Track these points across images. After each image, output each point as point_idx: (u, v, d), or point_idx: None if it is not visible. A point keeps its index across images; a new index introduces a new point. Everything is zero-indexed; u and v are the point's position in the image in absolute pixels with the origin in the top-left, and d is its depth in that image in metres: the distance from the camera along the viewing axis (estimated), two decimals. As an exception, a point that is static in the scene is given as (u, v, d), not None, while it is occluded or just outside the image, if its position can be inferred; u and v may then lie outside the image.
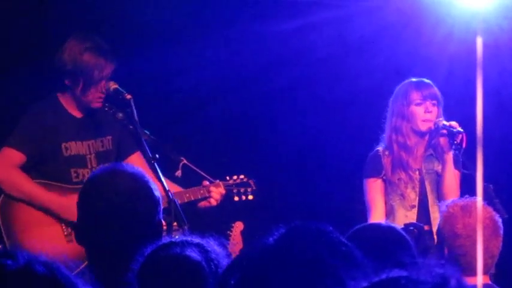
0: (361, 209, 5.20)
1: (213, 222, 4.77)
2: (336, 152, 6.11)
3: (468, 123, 4.93)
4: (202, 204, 4.90)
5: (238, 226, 5.01)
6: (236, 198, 5.07)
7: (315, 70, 6.10)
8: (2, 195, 4.72)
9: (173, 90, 5.83)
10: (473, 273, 3.59)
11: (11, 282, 1.43)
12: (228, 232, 4.98)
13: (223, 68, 5.96)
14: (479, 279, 3.69)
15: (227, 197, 5.00)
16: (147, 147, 4.29)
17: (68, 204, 4.60)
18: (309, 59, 6.08)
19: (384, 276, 1.41)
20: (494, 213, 3.88)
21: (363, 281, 1.43)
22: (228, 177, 5.07)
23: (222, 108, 6.08)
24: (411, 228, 4.41)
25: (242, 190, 5.10)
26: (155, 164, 4.18)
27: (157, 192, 2.71)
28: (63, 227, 4.74)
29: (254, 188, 5.12)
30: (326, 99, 6.11)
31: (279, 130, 6.19)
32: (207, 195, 4.89)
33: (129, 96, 4.50)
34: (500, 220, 3.85)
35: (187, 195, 4.85)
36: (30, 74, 5.17)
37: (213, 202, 4.90)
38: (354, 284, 1.41)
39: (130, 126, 4.43)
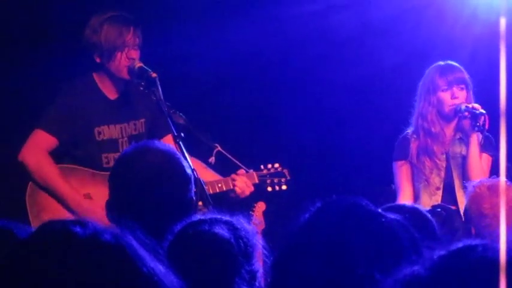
0: (384, 190, 5.21)
1: (236, 201, 4.77)
2: (356, 135, 6.09)
3: (492, 105, 4.90)
4: (233, 195, 4.78)
5: (261, 206, 4.97)
6: (269, 189, 4.96)
7: (337, 52, 6.07)
8: (31, 182, 4.68)
9: (194, 73, 5.82)
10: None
11: (79, 248, 1.45)
12: (250, 212, 4.95)
13: (243, 50, 5.94)
14: (503, 258, 3.68)
15: (260, 187, 4.89)
16: (172, 126, 4.25)
17: (87, 207, 4.58)
18: (331, 41, 6.05)
19: (460, 244, 1.44)
20: None
21: (439, 249, 1.44)
22: (262, 167, 4.96)
23: (240, 91, 6.07)
24: (438, 210, 4.40)
25: (276, 180, 4.99)
26: (180, 142, 4.13)
27: (189, 170, 2.71)
28: None
29: (288, 177, 5.01)
30: (347, 81, 6.09)
31: (299, 112, 6.17)
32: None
33: (154, 75, 4.43)
34: None
35: (220, 185, 4.74)
36: (66, 53, 5.13)
37: (240, 193, 4.77)
38: (430, 253, 1.43)
39: (165, 108, 4.33)
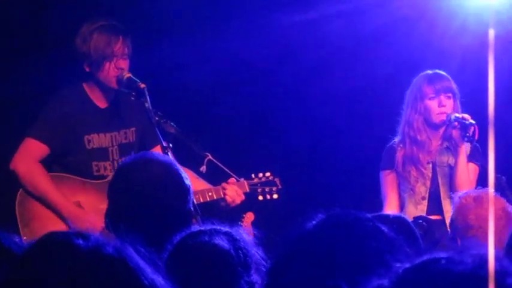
0: (375, 200, 5.23)
1: (225, 211, 4.77)
2: (348, 144, 6.12)
3: (481, 115, 4.94)
4: (223, 204, 4.76)
5: (249, 217, 4.96)
6: (260, 198, 4.94)
7: (329, 62, 6.10)
8: (21, 189, 4.68)
9: (186, 82, 5.82)
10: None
11: (81, 261, 1.46)
12: (239, 223, 4.95)
13: (233, 59, 5.95)
14: (491, 268, 3.71)
15: (251, 196, 4.88)
16: (160, 136, 4.26)
17: (79, 215, 4.58)
18: (323, 52, 6.07)
19: (425, 257, 1.45)
20: (507, 204, 3.90)
21: (406, 262, 1.46)
22: (253, 175, 4.95)
23: (232, 101, 6.08)
24: (420, 221, 4.44)
25: (267, 189, 4.97)
26: (168, 153, 4.15)
27: (188, 181, 2.72)
28: None
29: (279, 186, 4.99)
30: (339, 91, 6.11)
31: (290, 121, 6.19)
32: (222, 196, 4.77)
33: (143, 86, 4.45)
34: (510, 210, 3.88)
35: (210, 194, 4.73)
36: (55, 62, 5.14)
37: (230, 202, 4.75)
38: (398, 266, 1.45)
39: (154, 118, 4.35)
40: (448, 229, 4.30)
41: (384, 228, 1.79)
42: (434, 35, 5.79)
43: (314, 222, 1.82)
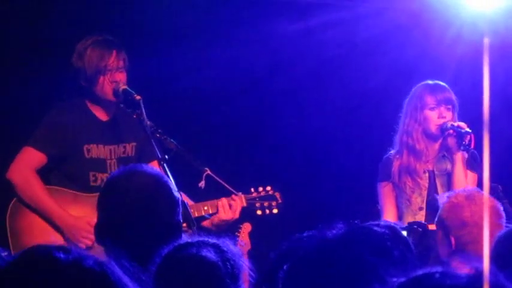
0: (372, 211, 5.23)
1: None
2: (344, 154, 6.12)
3: (476, 123, 4.95)
4: (216, 218, 4.72)
5: (246, 227, 4.95)
6: (259, 213, 4.89)
7: (323, 71, 6.12)
8: (14, 200, 4.69)
9: (182, 92, 5.83)
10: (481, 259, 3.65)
11: (62, 274, 1.47)
12: (236, 233, 4.93)
13: (229, 69, 5.97)
14: (486, 263, 3.76)
15: (249, 211, 4.83)
16: (156, 148, 4.29)
17: (74, 225, 4.59)
18: (317, 60, 6.09)
19: (420, 272, 1.47)
20: (496, 201, 3.95)
21: (402, 277, 1.48)
22: (252, 189, 4.91)
23: (227, 110, 6.08)
24: (415, 226, 4.44)
25: (266, 204, 4.91)
26: (164, 164, 4.17)
27: (177, 193, 2.74)
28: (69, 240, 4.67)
29: (280, 201, 4.93)
30: (334, 100, 6.13)
31: (286, 132, 6.19)
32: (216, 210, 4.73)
33: (138, 97, 4.49)
34: (502, 208, 3.91)
35: (206, 208, 4.71)
36: (54, 72, 5.14)
37: (224, 217, 4.71)
38: (393, 280, 1.46)
39: (149, 130, 4.35)
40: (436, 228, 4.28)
41: (388, 243, 1.82)
42: (429, 44, 5.80)
43: (329, 231, 1.84)
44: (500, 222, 3.83)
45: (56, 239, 4.60)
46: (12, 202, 4.70)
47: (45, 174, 4.73)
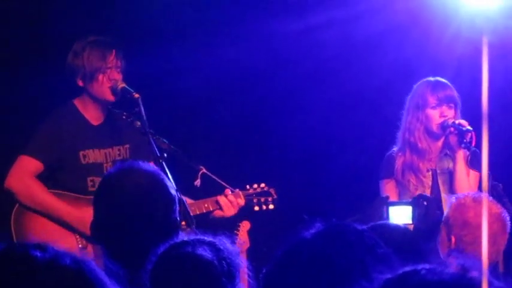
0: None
1: (220, 221, 4.78)
2: (342, 152, 6.12)
3: (476, 122, 4.95)
4: (217, 213, 4.77)
5: (245, 225, 4.97)
6: (256, 208, 4.95)
7: (322, 70, 6.12)
8: (17, 205, 4.67)
9: (179, 91, 5.84)
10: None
11: (39, 272, 1.47)
12: (235, 231, 4.95)
13: (229, 68, 5.96)
14: (485, 266, 3.77)
15: (247, 207, 4.89)
16: (155, 147, 4.28)
17: (83, 217, 4.54)
18: (317, 60, 6.09)
19: (407, 268, 1.48)
20: (502, 209, 3.94)
21: (389, 273, 1.49)
22: (248, 186, 4.96)
23: (227, 109, 6.09)
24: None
25: (262, 200, 4.97)
26: (163, 163, 4.15)
27: (174, 190, 2.73)
28: (78, 238, 4.68)
29: (275, 196, 5.00)
30: (332, 99, 6.12)
31: (285, 130, 6.19)
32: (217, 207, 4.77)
33: (137, 95, 4.48)
34: (508, 217, 3.90)
35: (206, 205, 4.74)
36: (47, 79, 5.16)
37: (227, 213, 4.77)
38: (379, 277, 1.47)
39: (147, 129, 4.33)
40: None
41: (379, 241, 1.82)
42: (428, 43, 5.80)
43: (308, 231, 1.85)
44: (504, 231, 3.83)
45: (64, 241, 4.59)
46: (15, 208, 4.68)
47: (43, 181, 4.71)
